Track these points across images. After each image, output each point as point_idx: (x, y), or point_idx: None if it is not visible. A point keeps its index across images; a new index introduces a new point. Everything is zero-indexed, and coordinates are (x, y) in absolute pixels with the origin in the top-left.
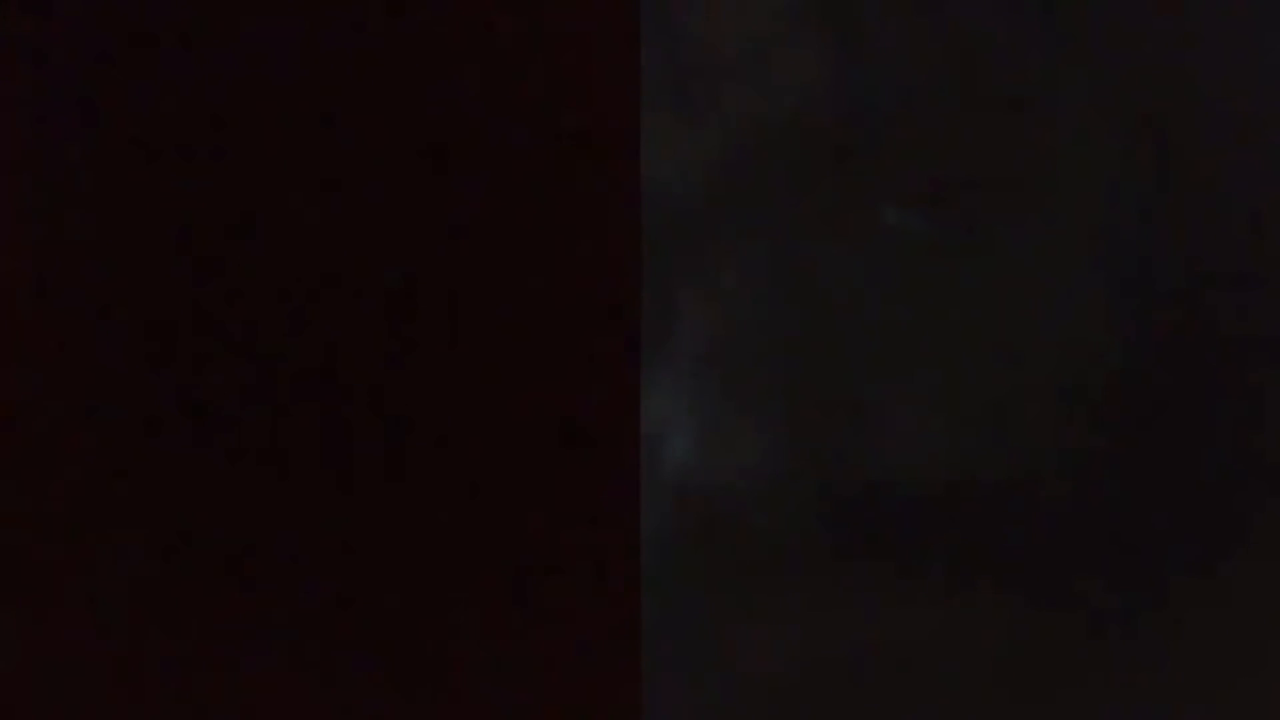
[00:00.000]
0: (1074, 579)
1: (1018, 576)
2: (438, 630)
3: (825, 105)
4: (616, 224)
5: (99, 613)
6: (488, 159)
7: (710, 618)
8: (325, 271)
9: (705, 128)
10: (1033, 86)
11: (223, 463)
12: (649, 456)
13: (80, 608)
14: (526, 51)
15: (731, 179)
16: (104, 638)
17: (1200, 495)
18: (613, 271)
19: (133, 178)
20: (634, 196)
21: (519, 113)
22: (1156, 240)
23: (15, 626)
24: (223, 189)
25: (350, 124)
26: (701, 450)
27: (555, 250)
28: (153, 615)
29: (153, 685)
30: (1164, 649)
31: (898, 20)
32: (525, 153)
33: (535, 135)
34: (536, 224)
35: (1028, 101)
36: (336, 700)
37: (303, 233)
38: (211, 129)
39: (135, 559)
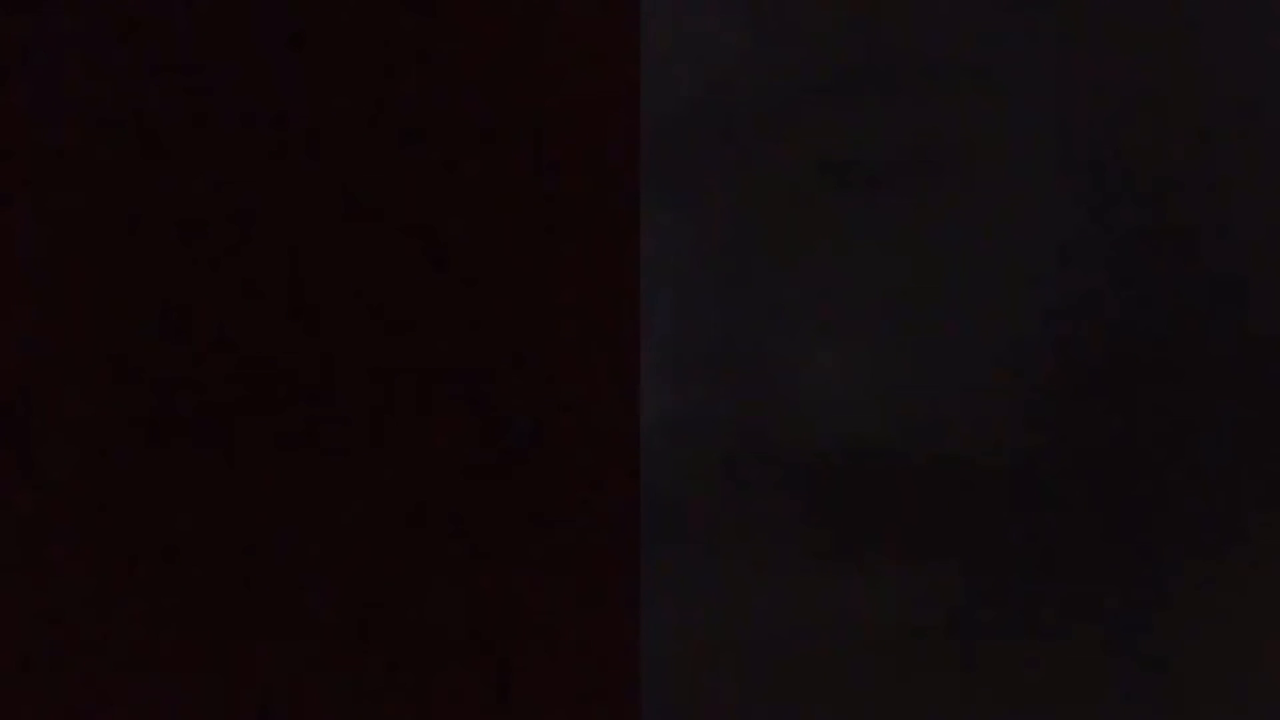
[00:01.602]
0: (1023, 549)
1: (965, 546)
2: (430, 626)
3: (760, 79)
4: (615, 220)
5: (96, 612)
6: (484, 156)
7: (648, 571)
8: (322, 265)
9: (654, 82)
10: (979, 58)
11: (217, 458)
12: None
13: (78, 607)
14: (522, 46)
15: (667, 143)
16: (99, 637)
17: (1160, 465)
18: (609, 266)
19: (132, 176)
20: (633, 189)
21: (514, 104)
22: (1105, 206)
23: (12, 627)
24: (220, 185)
25: (348, 122)
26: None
27: (552, 242)
28: (148, 614)
29: (150, 683)
30: (1127, 621)
31: None
32: (520, 147)
33: (532, 127)
34: (532, 220)
35: (975, 73)
36: (335, 696)
37: (299, 226)
38: (209, 126)
39: (130, 558)
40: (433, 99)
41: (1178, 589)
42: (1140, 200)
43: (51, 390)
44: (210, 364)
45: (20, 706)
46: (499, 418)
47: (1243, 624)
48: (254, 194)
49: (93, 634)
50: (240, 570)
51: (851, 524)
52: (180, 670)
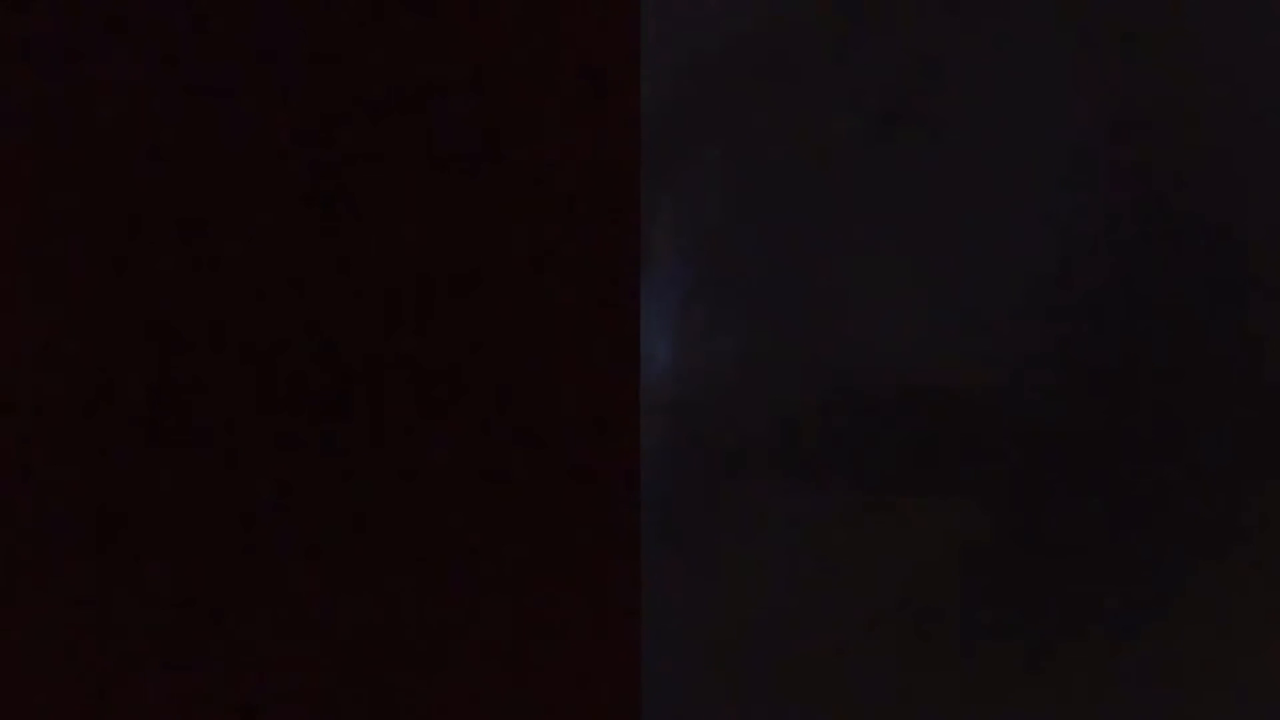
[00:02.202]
0: (1050, 492)
1: (989, 486)
2: (428, 627)
3: (788, 15)
4: (615, 216)
5: (97, 613)
6: (482, 152)
7: (687, 519)
8: (320, 265)
9: (671, 36)
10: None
11: (216, 459)
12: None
13: (78, 608)
14: (520, 38)
15: (697, 83)
16: (99, 638)
17: (1178, 407)
18: (610, 261)
19: (131, 174)
20: (633, 187)
21: (513, 98)
22: (1130, 146)
23: (12, 628)
24: (218, 183)
25: (347, 121)
26: (675, 352)
27: (550, 241)
28: (149, 612)
29: (151, 684)
30: (1143, 567)
31: None
32: (518, 142)
33: (531, 116)
34: (530, 216)
35: (991, 14)
36: (335, 695)
37: (298, 225)
38: (207, 125)
39: (130, 559)
40: (429, 91)
41: (1178, 519)
42: (1171, 172)
43: (51, 390)
44: (209, 364)
45: (21, 707)
46: (499, 417)
47: (1243, 622)
48: (251, 191)
49: (93, 635)
50: (238, 569)
51: (851, 525)
52: (180, 671)
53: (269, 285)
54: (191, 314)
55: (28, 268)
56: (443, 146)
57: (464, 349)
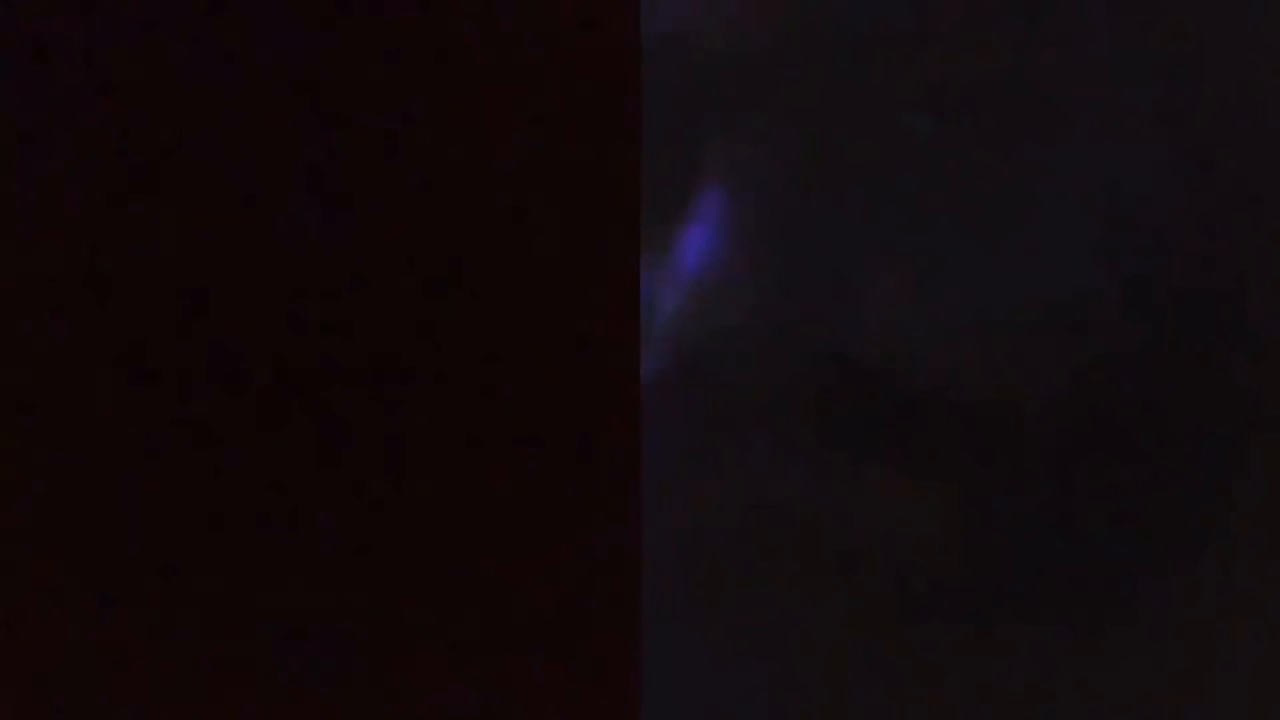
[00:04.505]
0: (1053, 490)
1: (977, 477)
2: (425, 626)
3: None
4: (614, 214)
5: (93, 615)
6: (479, 145)
7: (696, 466)
8: (320, 263)
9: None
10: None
11: (215, 463)
12: (645, 309)
13: (74, 610)
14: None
15: (749, 56)
16: (98, 638)
17: (1197, 429)
18: (610, 258)
19: (132, 175)
20: (634, 182)
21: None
22: (1178, 167)
23: (13, 632)
24: (218, 182)
25: (349, 123)
26: (695, 307)
27: (550, 235)
28: (149, 617)
29: (151, 687)
30: (1134, 560)
31: None
32: (517, 131)
33: (527, 125)
34: (529, 213)
35: (1056, 15)
36: (334, 694)
37: (297, 224)
38: (210, 122)
39: (133, 564)
40: (427, 88)
41: (1194, 530)
42: (1237, 177)
43: (53, 390)
44: (207, 364)
45: (22, 711)
46: (497, 415)
47: (1237, 617)
48: (248, 191)
49: (95, 639)
50: (237, 571)
51: (852, 526)
52: (181, 674)
53: (268, 284)
54: (194, 315)
55: (28, 265)
56: (441, 143)
57: (463, 347)
